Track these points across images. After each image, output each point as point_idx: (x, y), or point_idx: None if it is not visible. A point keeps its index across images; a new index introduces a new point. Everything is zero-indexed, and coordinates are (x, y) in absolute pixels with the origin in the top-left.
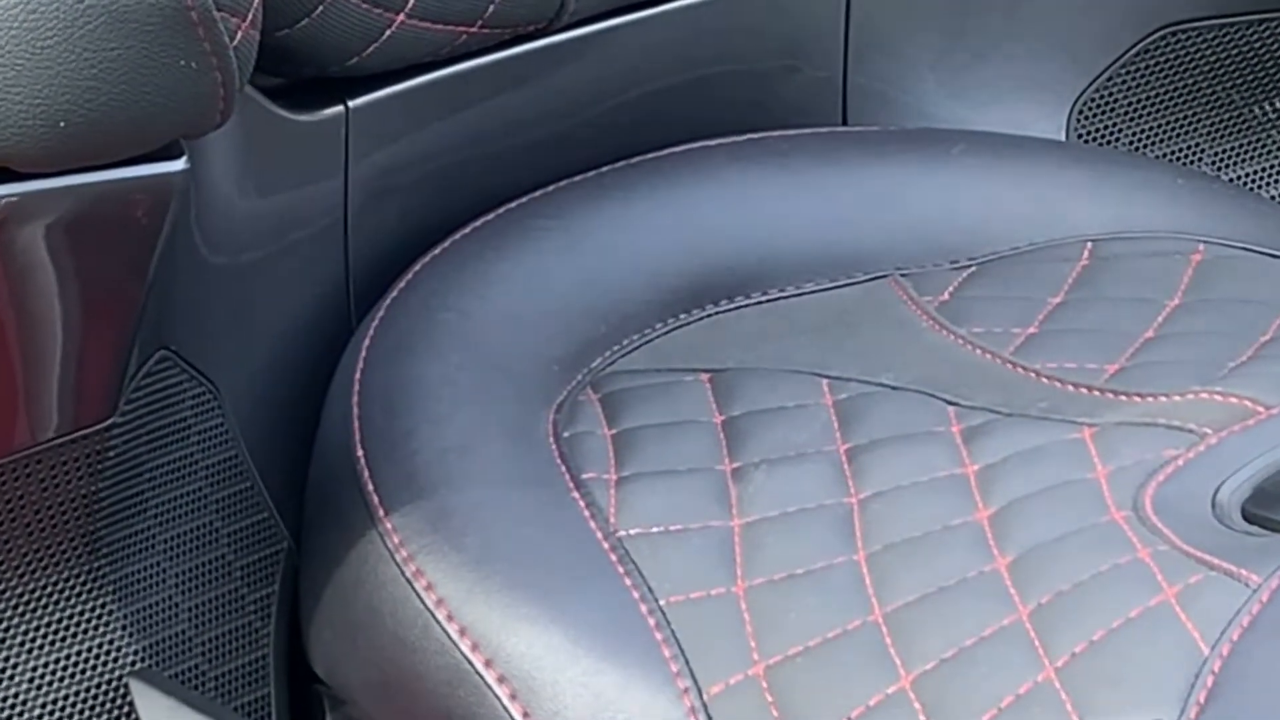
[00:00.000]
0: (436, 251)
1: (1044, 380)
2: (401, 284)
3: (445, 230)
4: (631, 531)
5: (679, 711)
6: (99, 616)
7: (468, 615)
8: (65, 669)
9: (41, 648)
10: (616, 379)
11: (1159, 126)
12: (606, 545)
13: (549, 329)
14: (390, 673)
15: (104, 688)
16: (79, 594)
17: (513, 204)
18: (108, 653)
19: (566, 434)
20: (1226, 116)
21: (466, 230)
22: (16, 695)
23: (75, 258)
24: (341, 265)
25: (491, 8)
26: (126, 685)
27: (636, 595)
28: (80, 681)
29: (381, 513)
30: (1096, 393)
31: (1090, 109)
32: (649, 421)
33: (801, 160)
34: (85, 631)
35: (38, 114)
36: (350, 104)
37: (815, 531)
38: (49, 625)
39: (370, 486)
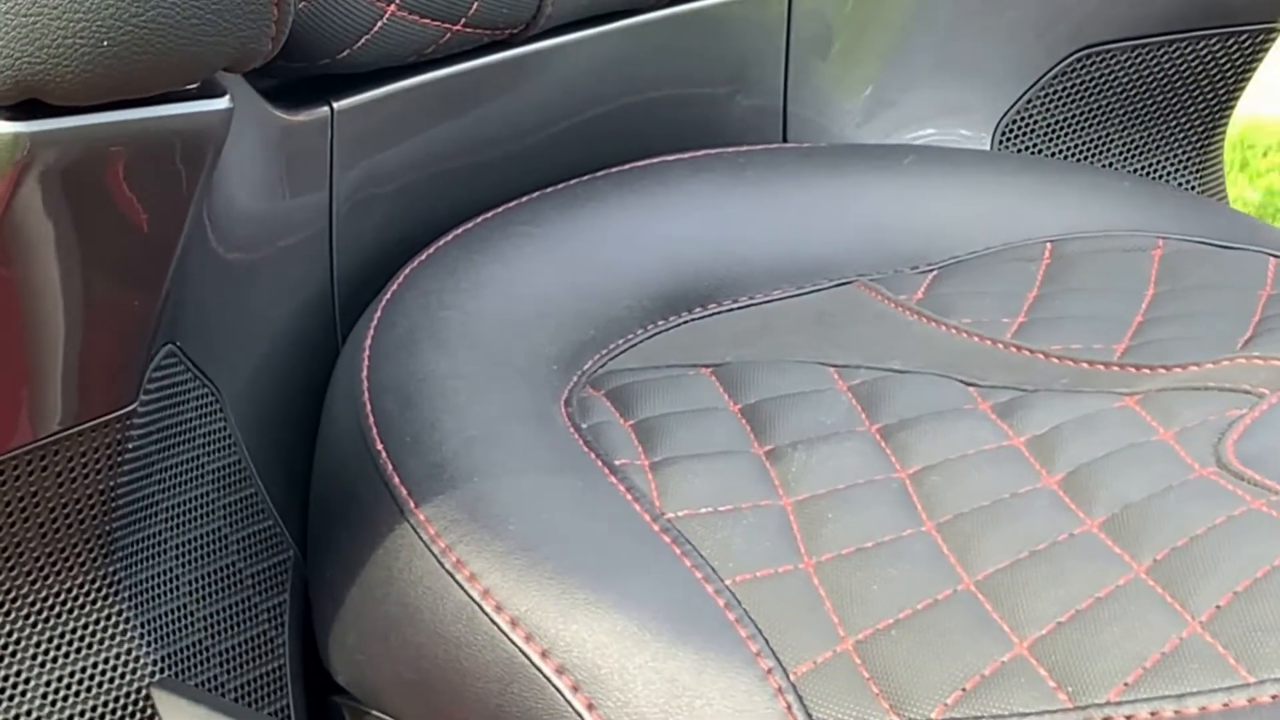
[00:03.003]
0: (423, 256)
1: (1055, 360)
2: (394, 285)
3: (426, 234)
4: (680, 513)
5: (765, 693)
6: (115, 625)
7: (519, 605)
8: (81, 682)
9: (55, 659)
10: (616, 377)
11: (1077, 145)
12: (656, 527)
13: (544, 330)
14: (430, 672)
15: (123, 701)
16: (94, 601)
17: (489, 214)
18: (125, 664)
19: (585, 425)
20: (1139, 135)
21: (448, 237)
22: (29, 712)
23: (107, 208)
24: (326, 268)
25: (475, 5)
26: (146, 698)
27: (699, 575)
28: (98, 695)
29: (412, 505)
30: (1116, 368)
31: (1012, 130)
32: (665, 411)
33: (760, 173)
34: (102, 641)
35: (78, 31)
36: (335, 105)
37: (875, 506)
38: (63, 635)
39: (396, 480)
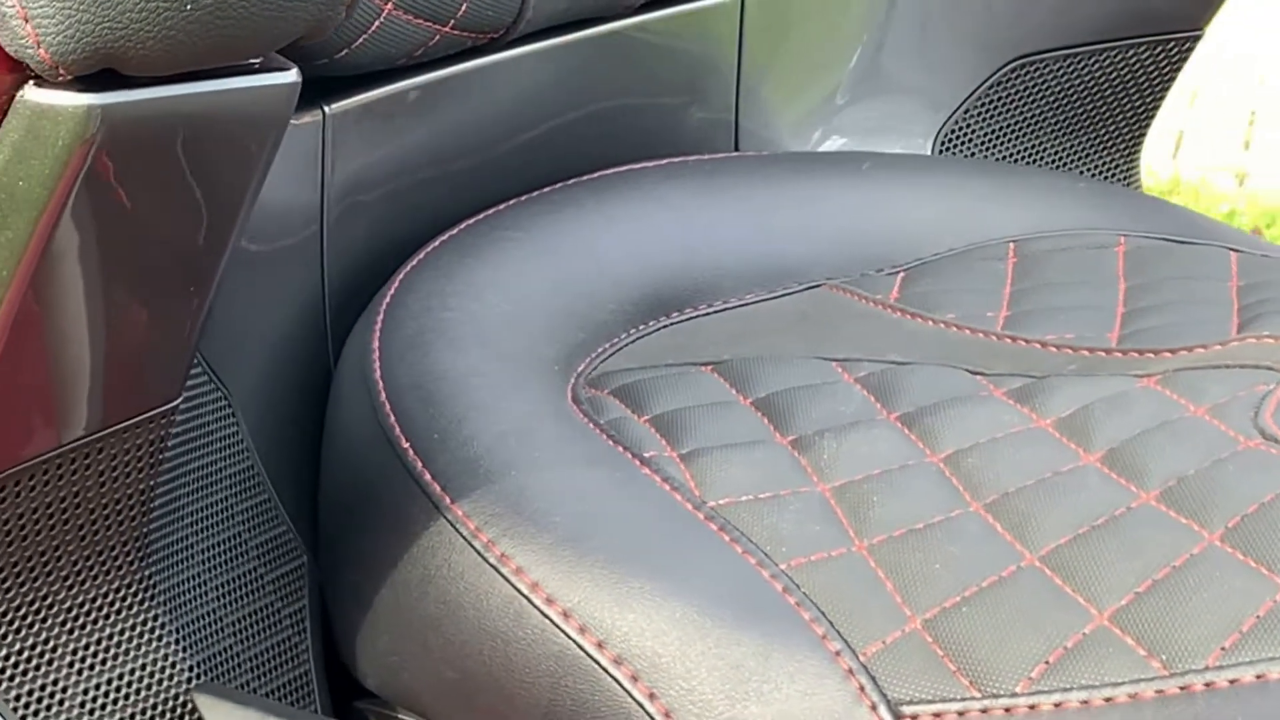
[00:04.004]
0: (415, 261)
1: (1053, 349)
2: (392, 288)
3: (412, 238)
4: (721, 501)
5: (835, 675)
6: (151, 631)
7: (571, 596)
8: (119, 689)
9: (92, 666)
10: (615, 377)
11: (1011, 153)
12: (701, 516)
13: (541, 332)
14: (475, 670)
15: (161, 709)
16: (130, 606)
17: (473, 220)
18: (162, 670)
19: (602, 420)
20: (1070, 141)
21: (436, 243)
22: None
23: (173, 186)
24: (318, 271)
25: (464, 7)
26: (183, 705)
27: (753, 561)
28: (135, 703)
29: (447, 501)
30: (1119, 354)
31: (951, 140)
32: (679, 406)
33: (728, 180)
34: (138, 647)
35: None
36: (327, 108)
37: (917, 489)
38: (99, 641)
39: (428, 476)
